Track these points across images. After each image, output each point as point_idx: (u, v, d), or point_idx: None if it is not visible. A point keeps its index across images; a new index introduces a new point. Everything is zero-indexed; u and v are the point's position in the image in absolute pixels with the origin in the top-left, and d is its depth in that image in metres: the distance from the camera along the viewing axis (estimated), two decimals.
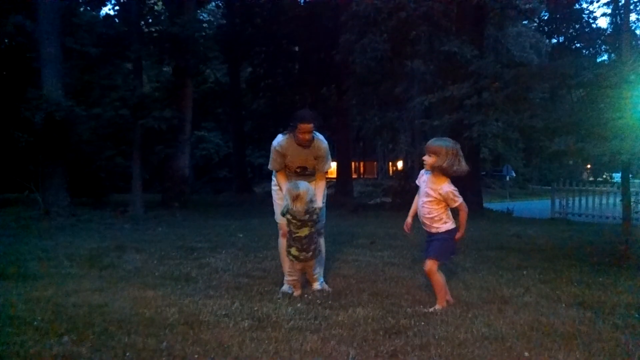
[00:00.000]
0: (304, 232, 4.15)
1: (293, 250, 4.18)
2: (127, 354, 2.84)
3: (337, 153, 21.81)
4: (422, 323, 3.40)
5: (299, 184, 4.16)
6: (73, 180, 11.74)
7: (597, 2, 21.83)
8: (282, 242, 4.46)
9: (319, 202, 4.36)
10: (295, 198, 4.08)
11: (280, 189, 4.45)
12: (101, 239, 7.65)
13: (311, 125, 4.17)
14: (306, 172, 4.47)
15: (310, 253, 4.19)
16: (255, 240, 7.52)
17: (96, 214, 10.93)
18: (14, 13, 13.29)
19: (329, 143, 4.56)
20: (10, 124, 10.89)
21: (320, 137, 4.37)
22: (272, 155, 4.41)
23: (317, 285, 4.37)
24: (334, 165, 18.58)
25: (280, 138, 4.34)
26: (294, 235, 4.17)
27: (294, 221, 4.13)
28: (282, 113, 24.57)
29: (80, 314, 3.53)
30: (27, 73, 13.68)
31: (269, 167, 4.52)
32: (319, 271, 4.48)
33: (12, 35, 13.61)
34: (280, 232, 4.49)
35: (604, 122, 5.57)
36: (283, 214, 4.20)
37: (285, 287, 4.38)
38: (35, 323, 3.30)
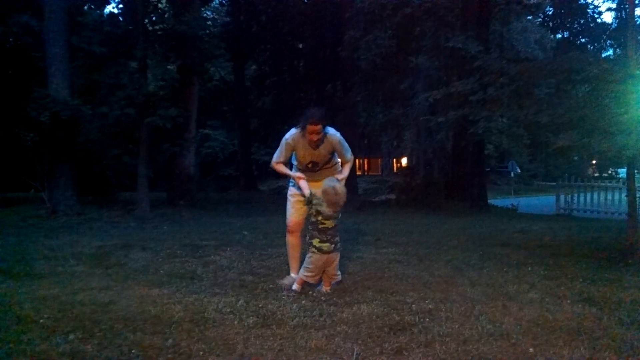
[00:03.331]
0: (331, 223, 4.14)
1: (316, 242, 4.13)
2: (133, 351, 2.86)
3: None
4: (427, 320, 3.41)
5: (335, 186, 4.12)
6: (80, 179, 11.78)
7: None
8: (290, 240, 4.55)
9: (343, 175, 4.42)
10: (332, 203, 4.07)
11: (289, 175, 4.47)
12: (107, 238, 7.68)
13: (319, 127, 4.12)
14: (316, 169, 4.44)
15: (334, 245, 4.16)
16: (260, 238, 7.53)
17: (103, 213, 10.97)
18: (20, 12, 13.34)
19: None
20: (16, 124, 10.93)
21: (331, 131, 4.30)
22: (282, 147, 4.37)
23: (328, 289, 4.22)
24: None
25: (293, 132, 4.31)
26: (320, 227, 4.13)
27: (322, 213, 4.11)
28: (288, 110, 24.64)
29: (86, 312, 3.56)
30: (34, 72, 13.71)
31: (274, 159, 4.42)
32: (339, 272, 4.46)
33: (18, 35, 13.63)
34: (288, 229, 4.56)
35: (609, 118, 5.54)
36: (309, 203, 4.15)
37: (286, 280, 4.44)
38: (42, 321, 3.33)
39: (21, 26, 12.95)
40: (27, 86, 12.01)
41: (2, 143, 13.05)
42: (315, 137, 4.15)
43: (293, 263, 4.62)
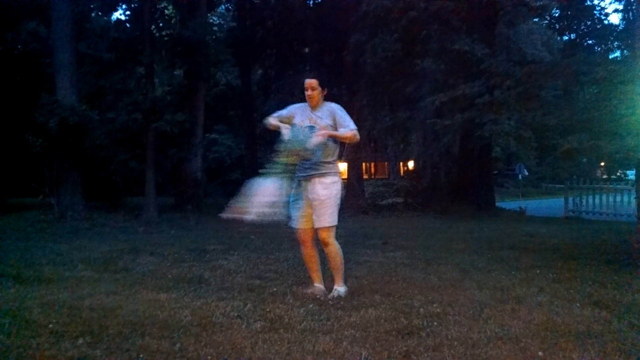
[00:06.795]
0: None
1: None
2: (141, 356, 2.85)
3: (348, 154, 21.83)
4: (435, 323, 3.39)
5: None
6: (88, 184, 11.86)
7: None
8: (303, 252, 4.36)
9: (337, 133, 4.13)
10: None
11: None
12: (115, 242, 7.71)
13: (314, 81, 4.22)
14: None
15: None
16: (267, 242, 7.54)
17: (110, 218, 11.02)
18: (28, 19, 13.46)
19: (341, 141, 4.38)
20: (25, 129, 11.03)
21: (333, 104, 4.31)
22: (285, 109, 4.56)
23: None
24: (344, 166, 18.60)
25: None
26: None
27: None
28: None
29: (94, 316, 3.56)
30: (42, 78, 13.84)
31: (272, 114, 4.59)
32: None
33: (26, 42, 13.77)
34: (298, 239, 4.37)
35: (617, 119, 5.52)
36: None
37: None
38: (51, 326, 3.32)
39: (29, 33, 13.09)
40: (35, 92, 12.12)
41: (11, 149, 13.16)
42: (309, 92, 4.23)
43: (313, 274, 4.41)
